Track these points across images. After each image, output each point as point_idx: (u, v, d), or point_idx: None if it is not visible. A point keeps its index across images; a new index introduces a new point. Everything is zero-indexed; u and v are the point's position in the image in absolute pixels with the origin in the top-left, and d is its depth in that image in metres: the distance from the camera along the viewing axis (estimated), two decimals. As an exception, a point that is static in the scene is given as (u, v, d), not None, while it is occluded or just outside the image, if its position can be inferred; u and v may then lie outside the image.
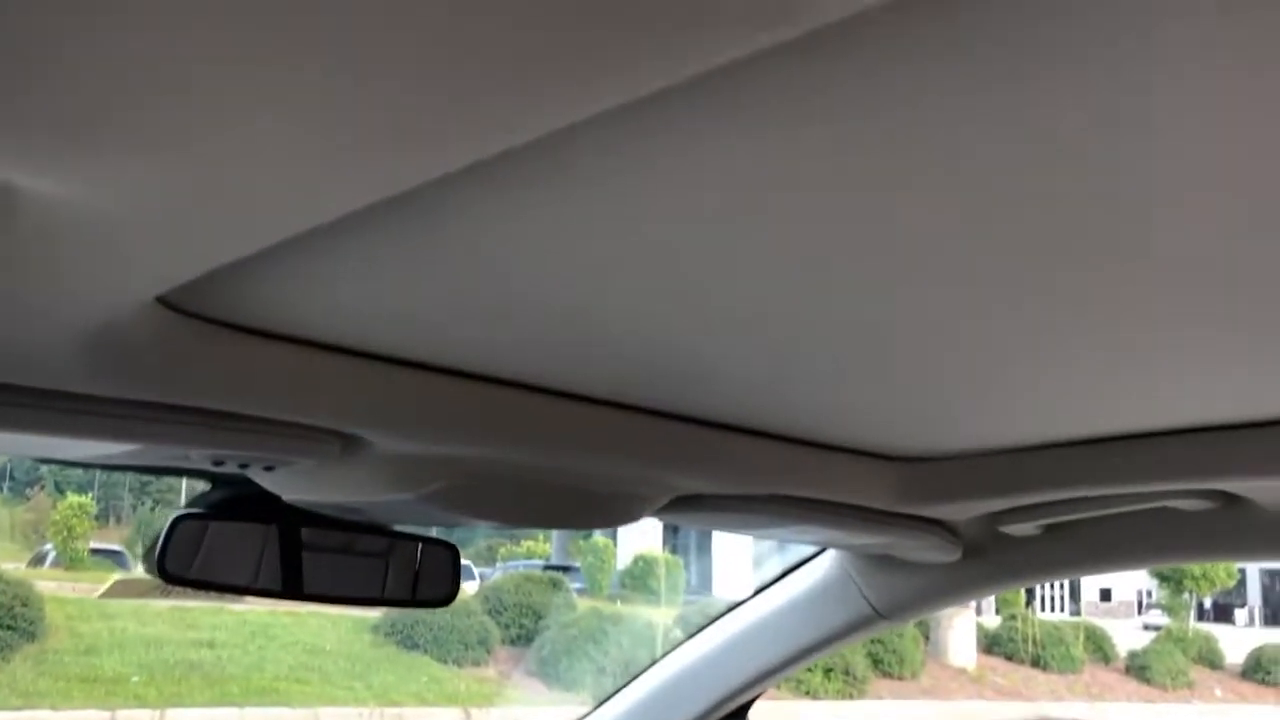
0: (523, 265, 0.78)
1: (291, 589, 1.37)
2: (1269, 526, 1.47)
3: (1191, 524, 1.53)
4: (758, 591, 2.00)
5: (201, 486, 1.38)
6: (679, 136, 0.58)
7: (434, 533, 1.53)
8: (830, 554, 1.93)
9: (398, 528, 1.45)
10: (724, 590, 20.48)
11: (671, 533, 23.66)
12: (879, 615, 1.88)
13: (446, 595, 1.50)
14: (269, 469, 1.09)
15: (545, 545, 26.20)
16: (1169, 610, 22.26)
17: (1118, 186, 0.64)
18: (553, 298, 0.84)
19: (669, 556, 21.71)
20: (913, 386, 1.12)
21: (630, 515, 1.33)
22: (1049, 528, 1.64)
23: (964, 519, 1.64)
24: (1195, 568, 19.04)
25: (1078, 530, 1.64)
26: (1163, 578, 20.90)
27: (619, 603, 18.15)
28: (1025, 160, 0.61)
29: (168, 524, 1.31)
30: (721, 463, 1.28)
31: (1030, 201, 0.66)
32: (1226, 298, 0.82)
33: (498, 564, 24.16)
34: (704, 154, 0.60)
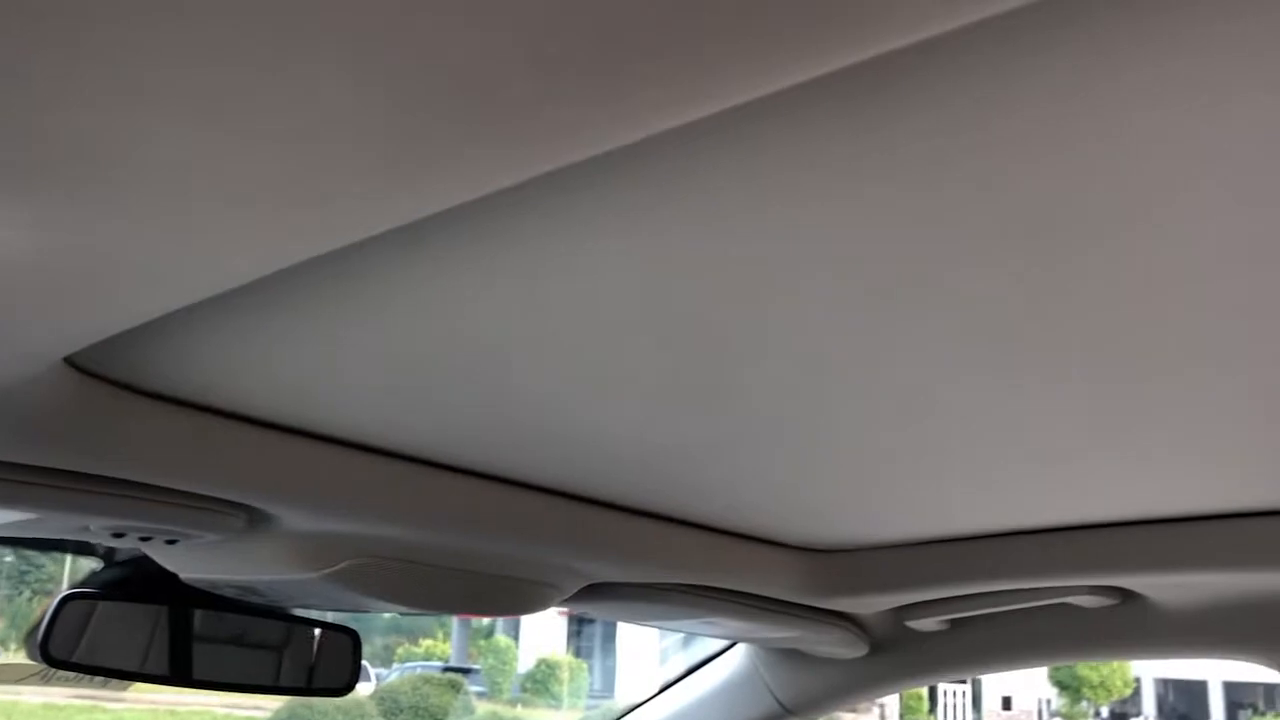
0: (430, 340, 0.77)
1: (180, 674, 1.31)
2: (1165, 624, 1.51)
3: (1092, 621, 1.56)
4: (666, 687, 1.97)
5: (90, 569, 1.33)
6: (587, 212, 0.58)
7: (332, 618, 1.49)
8: (739, 649, 1.92)
9: (298, 612, 1.41)
10: (628, 692, 20.15)
11: (575, 634, 23.32)
12: (786, 711, 1.86)
13: (345, 684, 1.45)
14: (171, 543, 1.05)
15: (445, 646, 25.58)
16: (1068, 719, 22.47)
17: (1020, 291, 0.65)
18: (460, 375, 0.83)
19: (572, 659, 21.35)
20: (823, 479, 1.13)
21: (540, 603, 1.31)
22: (954, 624, 1.66)
23: (871, 613, 1.65)
24: (1093, 677, 19.29)
25: (982, 626, 1.65)
26: (1062, 685, 21.13)
27: (519, 706, 17.75)
28: (925, 262, 0.62)
29: (54, 603, 1.26)
30: (634, 550, 1.27)
31: (933, 302, 0.67)
32: (1125, 400, 0.85)
33: (395, 664, 23.47)
34: (609, 233, 0.61)
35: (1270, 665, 1.50)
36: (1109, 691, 20.80)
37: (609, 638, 22.56)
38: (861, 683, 1.78)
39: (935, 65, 0.45)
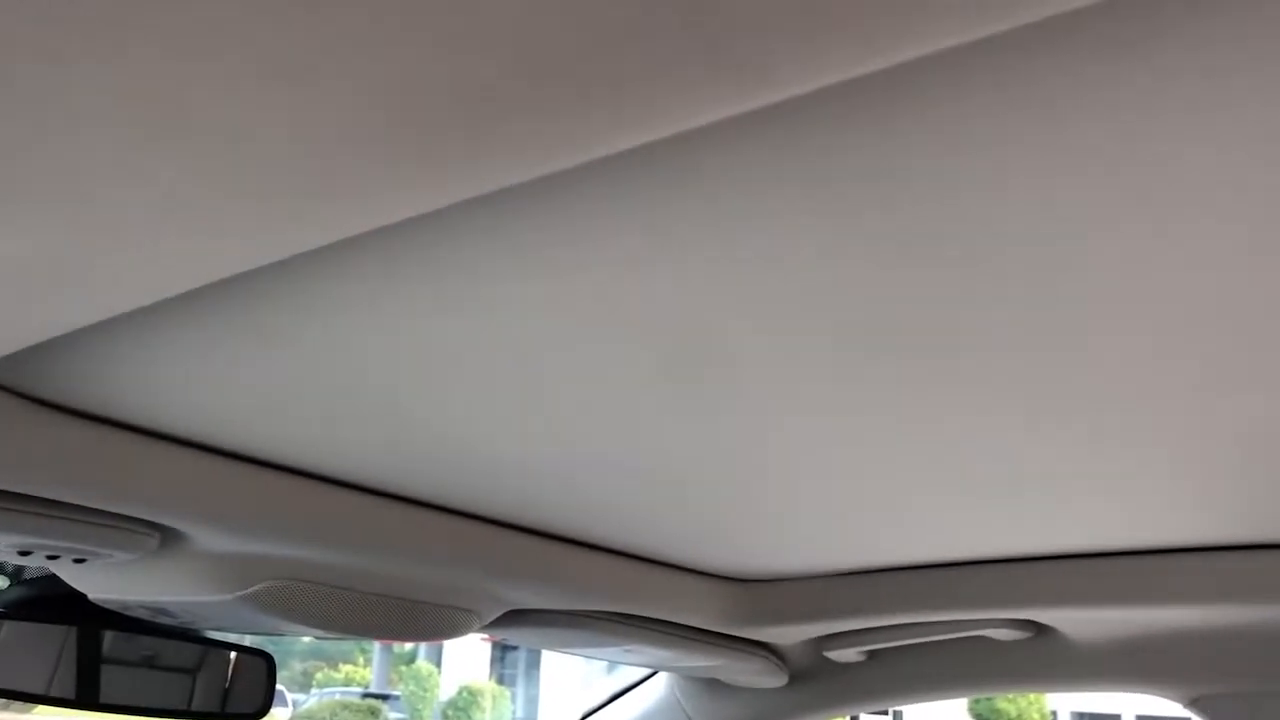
0: (343, 366, 0.77)
1: (87, 697, 1.28)
2: (1077, 658, 1.54)
3: (1005, 654, 1.59)
4: (586, 716, 1.96)
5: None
6: (502, 245, 0.58)
7: (249, 641, 1.46)
8: (660, 679, 1.92)
9: (211, 634, 1.38)
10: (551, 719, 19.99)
11: (499, 660, 23.09)
12: (705, 741, 1.86)
13: (258, 709, 1.42)
14: (79, 561, 1.03)
15: (365, 671, 25.16)
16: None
17: (936, 328, 0.67)
18: (380, 397, 0.83)
19: (495, 686, 21.12)
20: (744, 510, 1.14)
21: (459, 628, 1.30)
22: (873, 655, 1.68)
23: (791, 643, 1.66)
24: (1010, 709, 19.51)
25: (899, 658, 1.67)
26: (980, 718, 21.36)
27: (441, 733, 17.50)
28: (839, 296, 0.63)
29: (-45, 623, 1.22)
30: (554, 576, 1.27)
31: (849, 337, 0.68)
32: (1039, 439, 0.86)
33: (313, 690, 23.03)
34: (521, 267, 0.61)
35: (1178, 699, 1.54)
36: (1024, 723, 21.07)
37: (533, 664, 22.38)
38: (780, 713, 1.79)
39: (860, 106, 0.46)
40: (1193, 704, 1.51)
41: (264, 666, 1.43)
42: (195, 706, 1.42)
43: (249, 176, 0.47)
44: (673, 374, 0.76)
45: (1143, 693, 1.56)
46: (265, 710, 1.42)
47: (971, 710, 20.04)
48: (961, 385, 0.76)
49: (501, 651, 22.93)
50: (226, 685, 1.42)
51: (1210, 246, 0.56)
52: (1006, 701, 19.27)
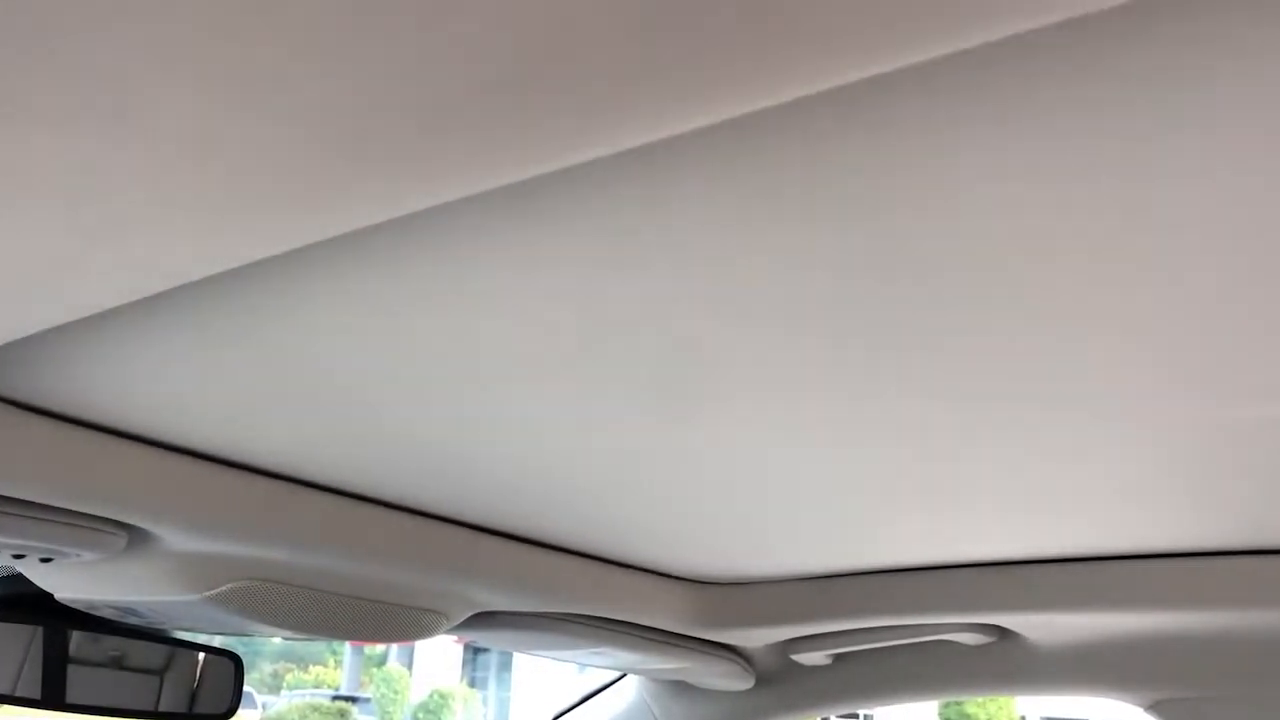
0: (309, 367, 0.77)
1: (53, 697, 1.28)
2: (1040, 662, 1.56)
3: (971, 658, 1.60)
4: (556, 719, 1.97)
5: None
6: (469, 244, 0.59)
7: (218, 642, 1.46)
8: (629, 681, 1.93)
9: (179, 634, 1.38)
10: (521, 725, 19.95)
11: (471, 663, 23.02)
12: (673, 744, 1.88)
13: (226, 710, 1.42)
14: (46, 561, 1.03)
15: (336, 674, 25.04)
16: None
17: (904, 334, 0.68)
18: (348, 399, 0.83)
19: (466, 689, 21.06)
20: (711, 513, 1.15)
21: (427, 630, 1.30)
22: (838, 658, 1.69)
23: (758, 646, 1.67)
24: (980, 714, 19.63)
25: (865, 661, 1.69)
26: (949, 722, 21.50)
27: (411, 736, 17.42)
28: (805, 303, 0.64)
29: (-80, 621, 1.22)
30: (522, 579, 1.28)
31: (813, 341, 0.69)
32: (1003, 447, 0.88)
33: (283, 691, 22.89)
34: (485, 266, 0.62)
35: (1138, 703, 1.56)
36: (995, 727, 21.22)
37: (504, 667, 22.32)
38: (747, 715, 1.80)
39: (811, 123, 0.47)
40: (1152, 708, 1.54)
41: (231, 667, 1.43)
42: (163, 707, 1.41)
43: (215, 182, 0.48)
44: (640, 378, 0.77)
45: (1103, 696, 1.59)
46: (232, 711, 1.42)
47: (941, 714, 20.15)
48: (925, 396, 0.78)
49: (473, 654, 22.86)
50: (194, 686, 1.42)
51: (1149, 263, 0.58)
52: (976, 706, 19.38)
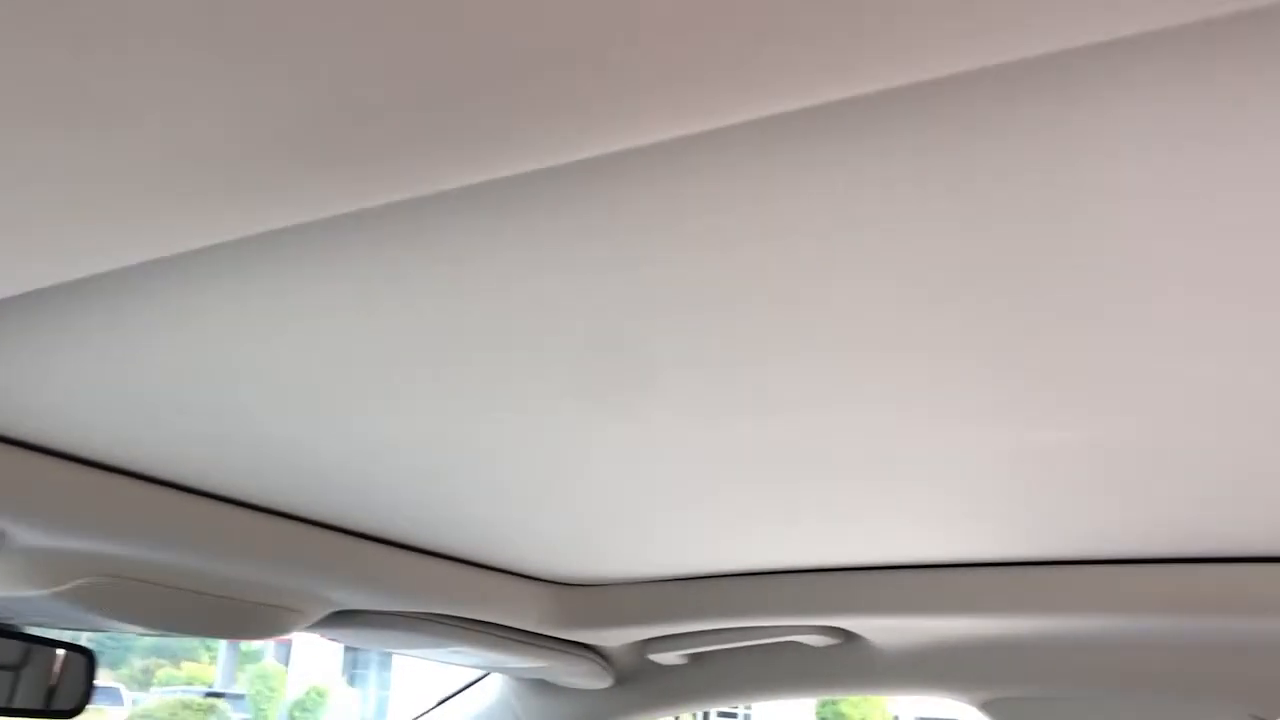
0: (173, 364, 0.79)
1: (-103, 693, 1.26)
2: (881, 663, 1.63)
3: (817, 659, 1.68)
4: (418, 718, 1.99)
5: None
6: (320, 255, 0.62)
7: (84, 639, 1.45)
8: (494, 679, 1.96)
9: (35, 630, 1.37)
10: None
11: (351, 662, 22.65)
12: (534, 741, 1.91)
13: (75, 706, 1.41)
14: None
15: (210, 669, 24.40)
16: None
17: (744, 348, 0.72)
18: (204, 399, 0.85)
19: (344, 686, 20.71)
20: (568, 517, 1.19)
21: (285, 627, 1.31)
22: (694, 658, 1.75)
23: (616, 646, 1.72)
24: (854, 714, 20.04)
25: (720, 661, 1.75)
26: (824, 721, 21.90)
27: (286, 734, 17.08)
28: (639, 319, 0.68)
29: None
30: (379, 579, 1.30)
31: (659, 356, 0.74)
32: (845, 461, 0.94)
33: (154, 688, 22.23)
34: (342, 279, 0.65)
35: (971, 702, 1.65)
36: (868, 726, 21.69)
37: (385, 665, 22.03)
38: (607, 713, 1.85)
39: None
40: (984, 707, 1.63)
41: (84, 663, 1.42)
42: (18, 703, 1.40)
43: (76, 191, 0.50)
44: (491, 384, 0.80)
45: (939, 696, 1.67)
46: (81, 708, 1.41)
47: (818, 714, 20.51)
48: (773, 413, 0.83)
49: (354, 652, 22.51)
50: (52, 682, 1.41)
51: (944, 300, 0.64)
52: (850, 706, 19.77)
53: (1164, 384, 0.73)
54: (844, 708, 19.90)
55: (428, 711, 1.98)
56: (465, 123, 0.44)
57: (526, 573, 1.48)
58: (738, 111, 0.44)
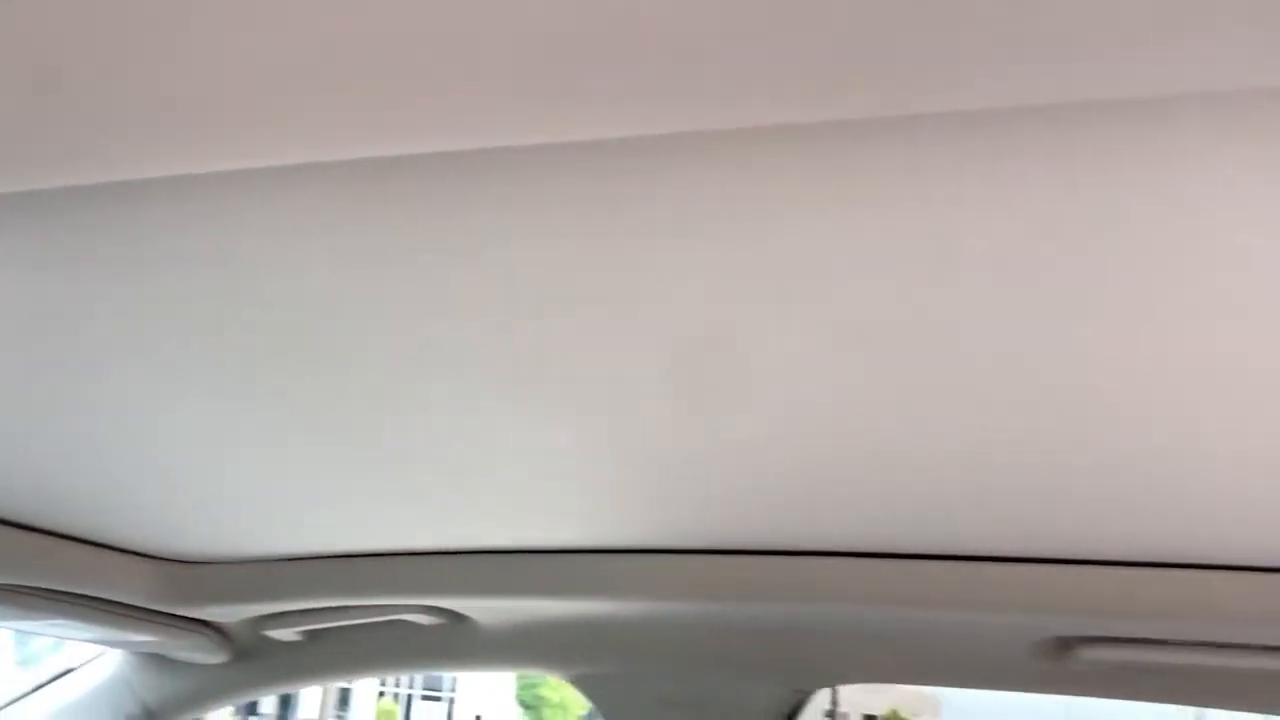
0: None
1: None
2: (485, 641, 1.75)
3: (429, 637, 1.77)
4: (32, 692, 1.94)
5: None
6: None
7: None
8: (112, 654, 1.94)
9: None
10: None
11: (21, 644, 20.92)
12: (151, 717, 1.91)
13: None
14: None
15: None
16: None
17: (335, 348, 0.79)
18: None
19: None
20: (169, 492, 1.22)
21: None
22: (311, 635, 1.81)
23: (232, 622, 1.76)
24: (554, 697, 20.40)
25: (335, 639, 1.82)
26: (526, 705, 22.16)
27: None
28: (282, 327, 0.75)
29: None
30: None
31: (261, 349, 0.80)
32: (447, 451, 1.02)
33: None
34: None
35: (564, 678, 1.79)
36: (566, 711, 22.13)
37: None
38: (224, 688, 1.87)
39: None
40: (575, 681, 1.77)
41: None
42: None
43: None
44: (77, 355, 0.83)
45: (538, 672, 1.80)
46: None
47: (518, 697, 20.77)
48: (368, 409, 0.90)
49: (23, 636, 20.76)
50: None
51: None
52: (550, 689, 20.10)
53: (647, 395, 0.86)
54: (542, 688, 20.21)
55: (40, 687, 1.94)
56: None
57: (132, 548, 1.50)
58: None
